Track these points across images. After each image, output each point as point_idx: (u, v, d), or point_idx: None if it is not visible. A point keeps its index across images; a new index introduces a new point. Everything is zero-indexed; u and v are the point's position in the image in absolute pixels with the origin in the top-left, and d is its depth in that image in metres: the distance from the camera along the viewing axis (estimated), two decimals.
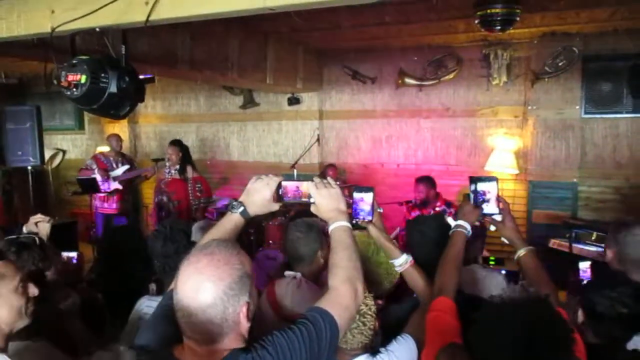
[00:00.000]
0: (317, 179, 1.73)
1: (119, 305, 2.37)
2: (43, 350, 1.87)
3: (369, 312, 1.94)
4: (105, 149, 6.82)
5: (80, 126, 8.48)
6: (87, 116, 8.23)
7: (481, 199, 2.04)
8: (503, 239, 2.11)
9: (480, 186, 2.05)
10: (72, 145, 8.71)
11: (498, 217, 2.05)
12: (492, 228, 2.10)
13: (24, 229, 2.57)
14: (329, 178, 1.77)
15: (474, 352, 1.44)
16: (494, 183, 2.05)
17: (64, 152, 8.73)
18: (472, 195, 2.05)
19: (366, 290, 1.97)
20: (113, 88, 2.41)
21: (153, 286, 2.36)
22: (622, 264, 2.26)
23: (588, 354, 1.82)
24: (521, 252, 2.01)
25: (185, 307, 1.26)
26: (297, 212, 5.60)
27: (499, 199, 2.04)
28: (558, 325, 1.36)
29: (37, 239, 2.31)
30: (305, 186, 1.71)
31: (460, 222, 2.01)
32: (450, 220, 2.08)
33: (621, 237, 2.28)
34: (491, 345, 1.37)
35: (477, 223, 2.06)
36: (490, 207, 2.04)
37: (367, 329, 1.92)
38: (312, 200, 1.70)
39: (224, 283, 1.26)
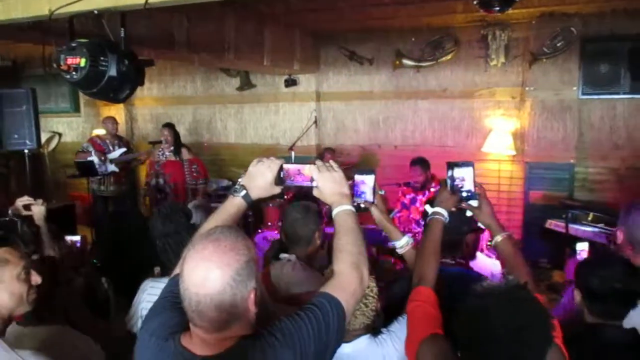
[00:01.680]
0: (319, 162, 1.70)
1: (125, 288, 2.40)
2: (61, 332, 1.88)
3: (371, 294, 1.96)
4: (101, 131, 6.79)
5: (76, 109, 8.42)
6: (82, 99, 8.16)
7: (458, 185, 2.01)
8: (480, 224, 2.10)
9: (457, 172, 2.01)
10: (68, 128, 8.67)
11: (475, 203, 2.02)
12: (469, 213, 2.08)
13: (10, 212, 2.56)
14: (331, 161, 1.75)
15: (457, 342, 1.45)
16: (470, 168, 2.01)
17: (60, 135, 8.69)
18: (449, 181, 2.02)
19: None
20: (113, 71, 2.40)
21: (158, 269, 2.37)
22: (632, 245, 2.25)
23: (586, 334, 1.86)
24: (498, 238, 1.97)
25: (194, 295, 1.24)
26: (295, 194, 5.62)
27: (475, 184, 2.01)
28: (538, 312, 1.38)
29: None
30: (308, 169, 1.69)
31: (437, 209, 1.98)
32: (427, 208, 2.07)
33: (631, 218, 2.27)
34: (474, 334, 1.39)
35: (453, 209, 2.03)
36: (467, 193, 2.01)
37: (369, 310, 1.94)
38: (314, 184, 1.68)
39: (231, 269, 1.25)
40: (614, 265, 1.85)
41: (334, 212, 1.63)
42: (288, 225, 2.46)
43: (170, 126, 6.12)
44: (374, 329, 2.00)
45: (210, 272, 1.24)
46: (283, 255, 2.39)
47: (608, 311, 1.85)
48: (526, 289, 1.43)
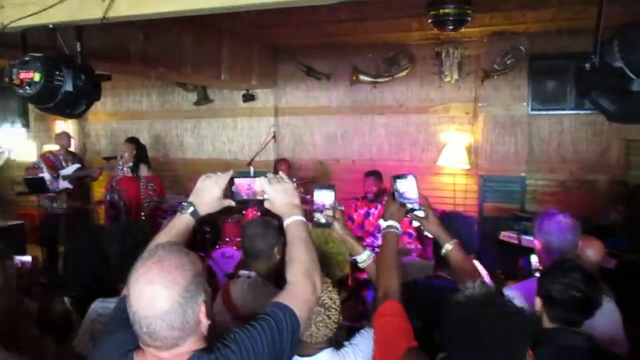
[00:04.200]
0: (270, 175, 1.74)
1: (84, 308, 2.33)
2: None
3: (334, 306, 1.98)
4: (52, 147, 6.58)
5: (26, 124, 8.13)
6: (33, 113, 7.88)
7: (403, 197, 2.09)
8: (427, 234, 2.16)
9: (401, 184, 2.09)
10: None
11: (421, 213, 2.09)
12: (416, 224, 2.15)
13: None
14: (281, 173, 1.78)
15: (433, 352, 1.49)
16: (412, 180, 2.09)
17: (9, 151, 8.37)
18: (396, 194, 2.09)
19: (331, 284, 2.01)
20: (68, 86, 2.35)
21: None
22: (549, 252, 2.39)
23: (543, 339, 1.93)
24: (448, 247, 2.05)
25: (143, 318, 1.24)
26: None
27: (419, 195, 2.09)
28: (521, 317, 1.44)
29: None
30: (259, 183, 1.73)
31: (390, 222, 2.04)
32: (381, 222, 2.13)
33: (545, 226, 2.41)
34: (461, 343, 1.43)
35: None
36: (412, 204, 2.08)
37: (331, 323, 1.95)
38: (265, 196, 1.71)
39: (178, 287, 1.25)
40: (575, 273, 1.91)
41: (286, 223, 1.67)
42: (247, 240, 2.46)
43: (131, 141, 5.89)
44: (337, 342, 2.02)
45: (157, 293, 1.24)
46: (242, 272, 2.38)
47: (567, 318, 1.92)
48: (503, 294, 1.48)
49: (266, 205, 1.72)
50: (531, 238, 4.87)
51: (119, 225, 2.35)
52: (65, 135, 6.36)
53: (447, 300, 1.50)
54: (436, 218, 2.11)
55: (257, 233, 2.43)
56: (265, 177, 1.73)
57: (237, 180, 1.73)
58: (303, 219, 1.68)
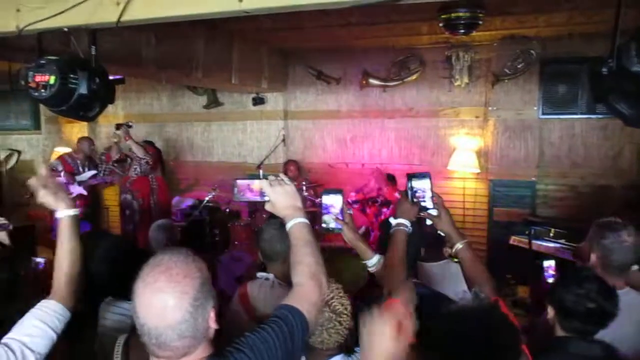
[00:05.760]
0: (271, 177, 1.73)
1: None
2: None
3: (345, 312, 1.96)
4: (63, 149, 6.62)
5: (37, 126, 8.17)
6: (44, 115, 7.93)
7: (417, 195, 2.10)
8: (440, 232, 2.17)
9: (416, 183, 2.11)
10: (28, 145, 8.39)
11: (434, 212, 2.11)
12: (429, 222, 2.16)
13: None
14: (281, 175, 1.77)
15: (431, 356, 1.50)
16: (427, 179, 2.11)
17: (19, 152, 8.43)
18: (409, 192, 2.11)
19: (342, 289, 2.00)
20: (83, 89, 2.36)
21: None
22: (606, 268, 2.21)
23: (555, 347, 1.91)
24: (459, 246, 2.05)
25: (153, 329, 1.23)
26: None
27: (433, 193, 2.10)
28: (510, 331, 1.44)
29: None
30: (258, 184, 1.73)
31: (400, 220, 2.07)
32: (391, 220, 2.14)
33: (608, 242, 2.23)
34: (448, 352, 1.43)
35: (413, 219, 2.11)
36: (426, 203, 2.10)
37: (343, 329, 1.94)
38: (266, 198, 1.70)
39: (188, 296, 1.24)
40: (590, 284, 1.87)
41: (289, 225, 1.65)
42: (264, 242, 2.45)
43: (148, 143, 6.05)
44: (348, 347, 2.01)
45: (167, 303, 1.22)
46: (260, 274, 2.38)
47: (580, 329, 1.88)
48: (497, 307, 1.48)
49: (267, 207, 1.71)
50: (542, 243, 4.92)
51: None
52: (88, 142, 6.43)
53: (442, 308, 1.51)
54: (449, 217, 2.12)
55: (275, 234, 2.42)
56: (266, 179, 1.71)
57: (238, 182, 1.73)
58: (306, 220, 1.66)
